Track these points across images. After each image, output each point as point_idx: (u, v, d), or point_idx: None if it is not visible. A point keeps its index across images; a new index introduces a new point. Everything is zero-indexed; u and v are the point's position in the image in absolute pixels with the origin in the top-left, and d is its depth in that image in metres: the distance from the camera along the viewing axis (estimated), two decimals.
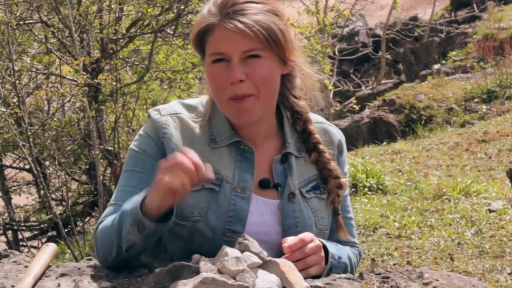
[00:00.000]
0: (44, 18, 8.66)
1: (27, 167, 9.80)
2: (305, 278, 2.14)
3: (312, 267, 2.24)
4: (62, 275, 2.18)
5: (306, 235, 2.25)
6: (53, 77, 9.04)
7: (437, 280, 2.14)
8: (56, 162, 8.17)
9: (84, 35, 7.92)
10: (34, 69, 8.79)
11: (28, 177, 10.23)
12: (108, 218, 2.29)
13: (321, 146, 2.41)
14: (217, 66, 2.27)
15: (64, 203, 9.03)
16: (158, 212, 2.13)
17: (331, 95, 14.73)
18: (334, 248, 2.37)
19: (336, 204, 2.43)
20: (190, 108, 2.41)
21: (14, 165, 10.13)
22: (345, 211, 2.49)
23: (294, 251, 2.21)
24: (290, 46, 2.30)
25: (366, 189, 7.47)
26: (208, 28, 2.27)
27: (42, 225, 9.83)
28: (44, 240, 9.67)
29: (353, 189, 7.47)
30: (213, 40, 2.26)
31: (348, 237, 2.48)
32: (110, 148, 8.29)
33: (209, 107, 2.38)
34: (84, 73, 7.10)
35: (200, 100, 2.43)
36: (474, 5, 18.68)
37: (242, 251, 2.06)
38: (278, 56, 2.28)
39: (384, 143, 10.79)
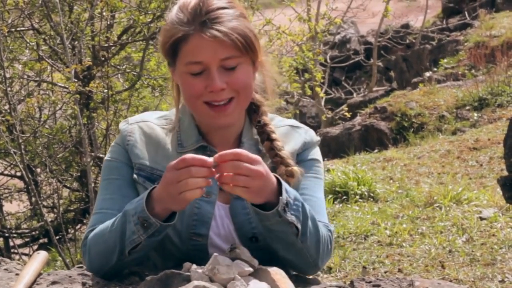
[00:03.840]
0: (36, 25, 8.64)
1: (18, 174, 9.76)
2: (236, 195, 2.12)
3: (241, 188, 2.08)
4: (53, 283, 2.18)
5: (244, 151, 2.09)
6: (44, 84, 9.01)
7: None
8: (48, 169, 8.13)
9: (76, 42, 7.91)
10: (25, 76, 8.76)
11: (20, 184, 10.19)
12: (100, 226, 2.29)
13: (274, 135, 2.37)
14: (195, 77, 2.25)
15: (55, 210, 9.00)
16: (164, 213, 2.15)
17: (322, 103, 14.76)
18: (292, 189, 2.22)
19: None
20: (161, 116, 2.45)
21: (6, 172, 10.10)
22: (311, 190, 2.39)
23: (225, 162, 2.06)
24: (260, 47, 2.31)
25: (357, 197, 7.47)
26: (183, 38, 2.24)
27: (34, 233, 9.79)
28: (35, 247, 9.63)
29: (344, 197, 7.48)
30: (189, 49, 2.24)
31: None
32: (101, 155, 8.26)
33: (177, 114, 2.40)
34: (76, 80, 7.09)
35: (173, 111, 2.45)
36: (466, 13, 18.76)
37: (233, 259, 2.06)
38: (252, 59, 2.29)
39: (376, 150, 10.79)
